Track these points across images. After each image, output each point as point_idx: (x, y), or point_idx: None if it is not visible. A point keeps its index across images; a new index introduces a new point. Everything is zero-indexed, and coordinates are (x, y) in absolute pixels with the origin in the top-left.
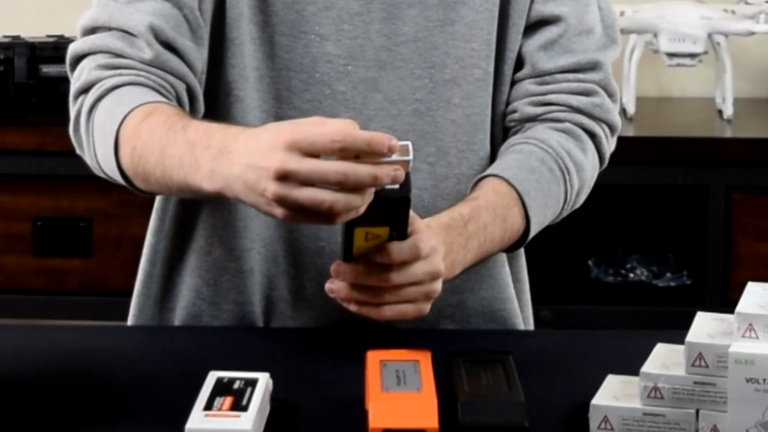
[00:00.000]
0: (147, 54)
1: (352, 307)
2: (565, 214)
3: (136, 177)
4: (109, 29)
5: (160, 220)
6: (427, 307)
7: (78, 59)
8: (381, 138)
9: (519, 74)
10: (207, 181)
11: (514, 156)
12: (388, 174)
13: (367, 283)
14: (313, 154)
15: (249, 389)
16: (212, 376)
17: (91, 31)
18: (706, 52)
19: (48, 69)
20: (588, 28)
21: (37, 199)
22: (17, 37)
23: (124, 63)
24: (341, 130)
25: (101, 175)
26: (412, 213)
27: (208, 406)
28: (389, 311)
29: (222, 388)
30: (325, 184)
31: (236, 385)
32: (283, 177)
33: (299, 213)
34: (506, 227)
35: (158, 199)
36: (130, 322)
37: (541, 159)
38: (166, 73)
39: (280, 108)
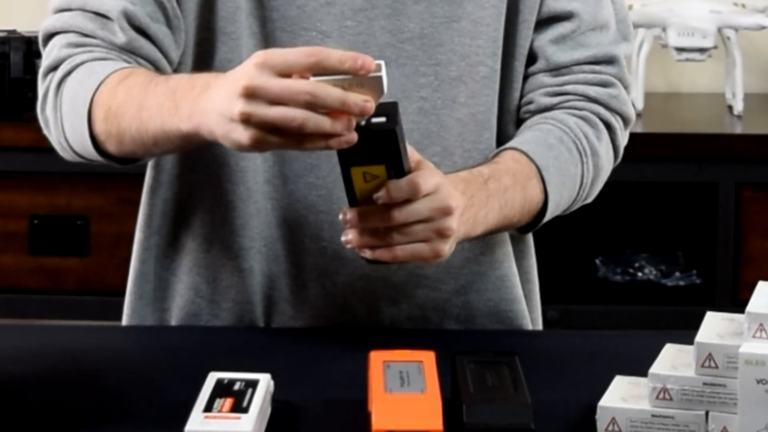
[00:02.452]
0: (119, 39)
1: (367, 254)
2: (578, 203)
3: (109, 139)
4: (82, 10)
5: (147, 216)
6: (444, 248)
7: (49, 36)
8: (354, 55)
9: (532, 68)
10: (184, 121)
11: (531, 133)
12: (356, 102)
13: (372, 224)
14: (287, 73)
15: (250, 390)
16: (212, 377)
17: (63, 10)
18: (715, 47)
19: None
20: (602, 24)
21: (34, 196)
22: (13, 32)
23: (94, 42)
24: (316, 47)
25: (66, 154)
26: (419, 157)
27: (208, 408)
28: (401, 251)
29: (222, 389)
30: (294, 104)
31: (237, 387)
32: (251, 94)
33: (268, 133)
34: (526, 196)
35: (144, 194)
36: (124, 322)
37: (559, 138)
38: (137, 57)
39: None
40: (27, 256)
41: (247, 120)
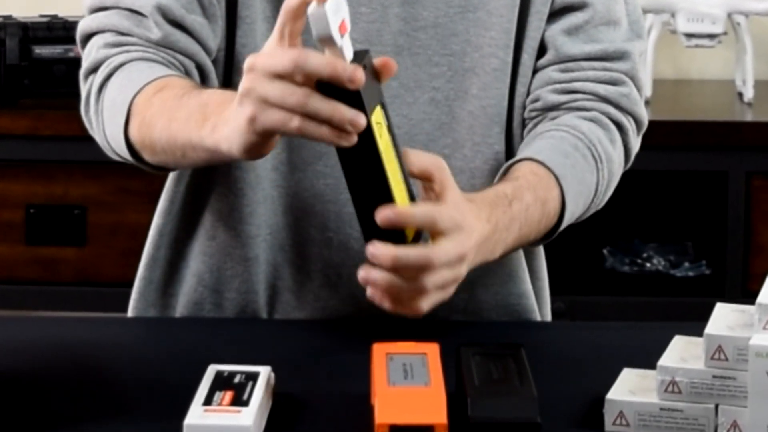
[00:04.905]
0: (155, 34)
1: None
2: (591, 211)
3: (143, 148)
4: (117, 8)
5: (169, 202)
6: (449, 293)
7: (87, 37)
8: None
9: (542, 61)
10: (208, 133)
11: (545, 141)
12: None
13: (397, 283)
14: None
15: (250, 383)
16: (212, 370)
17: (98, 10)
18: (725, 33)
19: (41, 50)
20: (615, 19)
21: (30, 185)
22: (9, 17)
23: (131, 41)
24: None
25: (112, 155)
26: (450, 181)
27: (208, 401)
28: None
29: (222, 382)
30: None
31: (237, 379)
32: (252, 68)
33: (267, 106)
34: (544, 212)
35: (169, 181)
36: (131, 306)
37: (574, 145)
38: (174, 53)
39: None
40: (23, 246)
41: (247, 94)
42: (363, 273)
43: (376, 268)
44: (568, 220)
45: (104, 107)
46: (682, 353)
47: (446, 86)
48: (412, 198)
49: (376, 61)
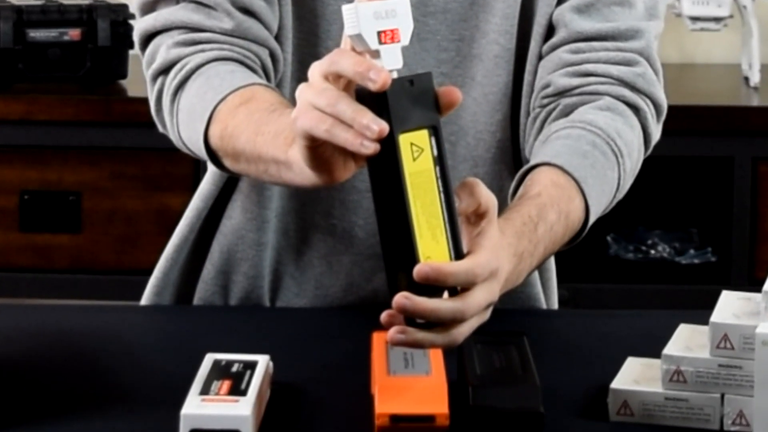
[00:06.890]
0: (227, 24)
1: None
2: (612, 205)
3: (225, 156)
4: (178, 1)
5: (213, 186)
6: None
7: (149, 37)
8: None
9: (551, 41)
10: (293, 150)
11: (561, 142)
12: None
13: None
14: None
15: (248, 372)
16: (209, 359)
17: (154, 3)
18: (731, 16)
19: (35, 34)
20: (629, 0)
21: (24, 171)
22: (3, 0)
23: (204, 37)
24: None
25: (185, 151)
26: (495, 219)
27: (205, 391)
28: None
29: (219, 371)
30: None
31: (234, 368)
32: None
33: (307, 107)
34: (568, 225)
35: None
36: (150, 284)
37: (591, 142)
38: (248, 42)
39: (304, 74)
40: (17, 233)
41: (297, 97)
42: (394, 332)
43: (407, 327)
44: (591, 223)
45: (180, 110)
46: (687, 342)
47: (454, 72)
48: (455, 240)
49: (441, 89)
